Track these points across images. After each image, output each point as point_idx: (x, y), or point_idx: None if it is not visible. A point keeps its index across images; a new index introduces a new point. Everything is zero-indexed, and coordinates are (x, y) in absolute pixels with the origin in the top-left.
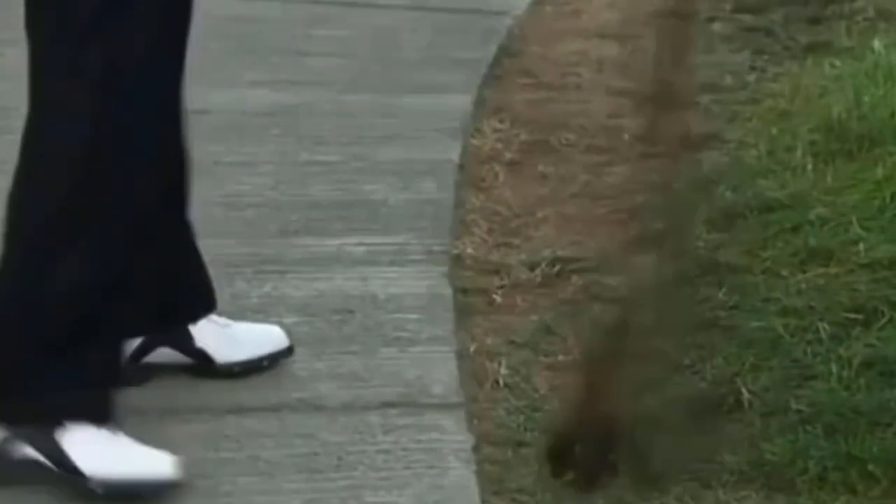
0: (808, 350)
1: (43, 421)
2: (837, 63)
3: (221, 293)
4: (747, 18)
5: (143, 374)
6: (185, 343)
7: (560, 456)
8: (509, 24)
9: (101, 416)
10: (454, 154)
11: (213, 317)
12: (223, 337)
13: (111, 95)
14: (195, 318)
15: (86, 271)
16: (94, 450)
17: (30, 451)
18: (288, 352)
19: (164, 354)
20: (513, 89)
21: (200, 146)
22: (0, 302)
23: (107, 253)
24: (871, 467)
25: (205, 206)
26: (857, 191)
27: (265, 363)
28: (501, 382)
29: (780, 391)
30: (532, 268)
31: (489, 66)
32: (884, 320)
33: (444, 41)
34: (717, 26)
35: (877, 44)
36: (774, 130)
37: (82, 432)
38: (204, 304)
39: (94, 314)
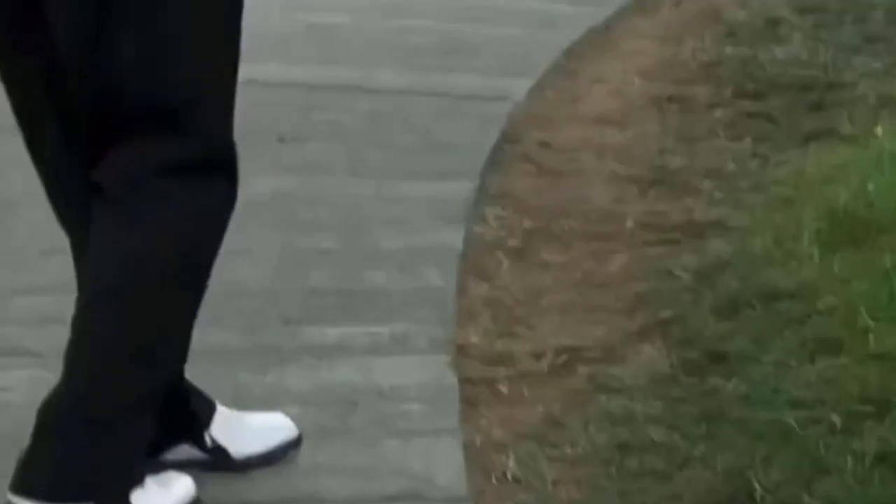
0: (821, 443)
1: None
2: (841, 150)
3: (223, 384)
4: (748, 105)
5: (157, 469)
6: (200, 438)
7: None
8: (510, 110)
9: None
10: (456, 241)
11: (221, 409)
12: (235, 429)
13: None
14: (210, 415)
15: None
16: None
17: None
18: (298, 441)
19: (182, 451)
20: (514, 176)
21: None
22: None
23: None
24: None
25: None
26: (865, 280)
27: (280, 454)
28: (509, 475)
29: (792, 485)
30: (538, 357)
31: (490, 153)
32: None
33: (444, 127)
34: (718, 113)
35: (880, 131)
36: (779, 218)
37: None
38: (209, 402)
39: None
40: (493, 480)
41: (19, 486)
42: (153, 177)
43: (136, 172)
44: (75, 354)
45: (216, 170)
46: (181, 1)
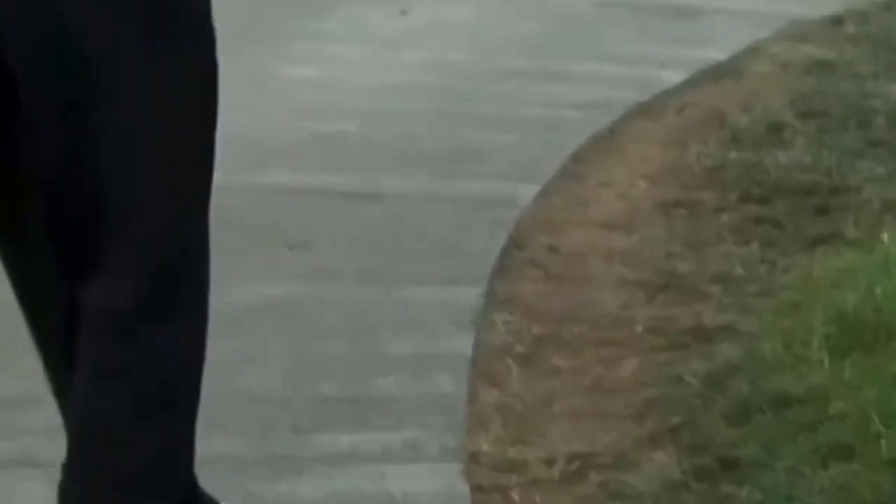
0: None
1: None
2: (847, 254)
3: (234, 493)
4: (754, 209)
5: None
6: None
7: None
8: (517, 215)
9: None
10: (466, 347)
11: None
12: None
13: None
14: None
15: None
16: None
17: None
18: None
19: None
20: (522, 281)
21: (209, 341)
22: None
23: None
24: None
25: (213, 402)
26: (875, 385)
27: None
28: None
29: None
30: (549, 464)
31: (498, 258)
32: None
33: (451, 232)
34: (724, 217)
35: (885, 237)
36: (788, 323)
37: None
38: None
39: None
40: None
41: None
42: (134, 320)
43: (112, 314)
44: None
45: (190, 305)
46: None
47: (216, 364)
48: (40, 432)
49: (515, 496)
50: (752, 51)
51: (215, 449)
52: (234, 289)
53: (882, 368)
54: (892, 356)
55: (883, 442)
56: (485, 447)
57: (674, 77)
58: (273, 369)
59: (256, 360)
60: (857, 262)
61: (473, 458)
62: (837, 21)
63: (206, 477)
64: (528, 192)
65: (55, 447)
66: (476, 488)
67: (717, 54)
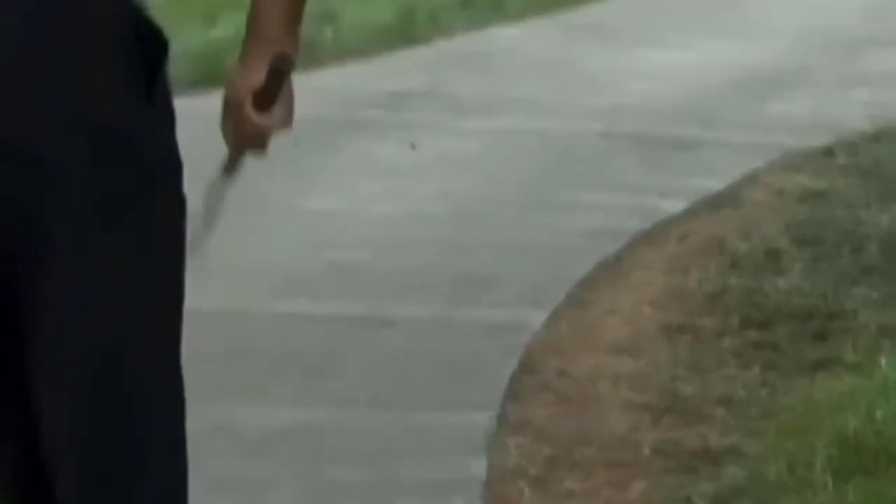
0: None
1: None
2: (846, 378)
3: None
4: (754, 334)
5: None
6: None
7: None
8: (527, 340)
9: None
10: (480, 471)
11: None
12: None
13: None
14: None
15: None
16: None
17: None
18: None
19: None
20: (534, 405)
21: (223, 463)
22: None
23: None
24: None
25: None
26: None
27: None
28: None
29: None
30: None
31: (509, 382)
32: None
33: (463, 357)
34: (726, 341)
35: (884, 362)
36: (792, 445)
37: None
38: None
39: None
40: None
41: None
42: None
43: None
44: None
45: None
46: None
47: (235, 487)
48: None
49: None
50: (749, 180)
51: None
52: (252, 414)
53: (885, 492)
54: (894, 480)
55: None
56: None
57: (675, 206)
58: (290, 494)
59: (274, 484)
60: (856, 386)
61: None
62: (828, 152)
63: None
64: (537, 317)
65: None
66: None
67: (715, 184)
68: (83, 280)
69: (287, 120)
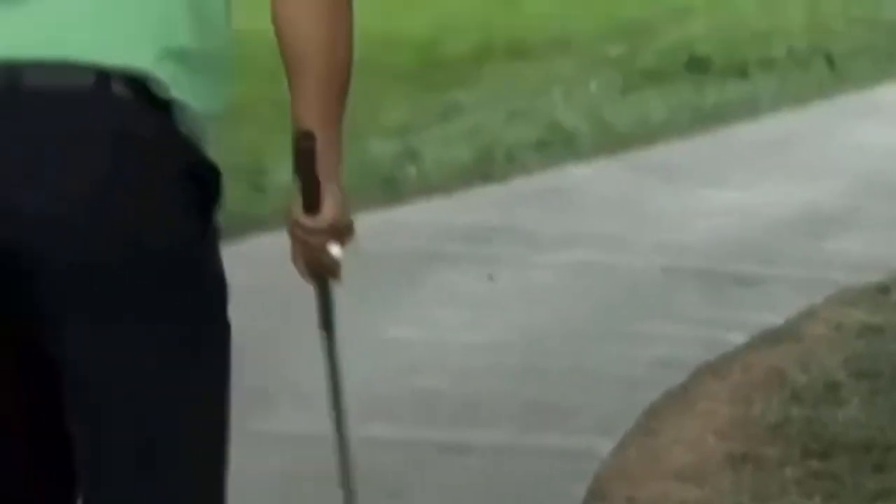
0: None
1: None
2: None
3: None
4: (815, 464)
5: None
6: None
7: None
8: (596, 468)
9: None
10: None
11: None
12: None
13: None
14: None
15: None
16: None
17: None
18: None
19: None
20: None
21: None
22: None
23: None
24: None
25: None
26: None
27: None
28: None
29: None
30: None
31: None
32: None
33: (535, 483)
34: (788, 471)
35: None
36: None
37: None
38: None
39: None
40: None
41: None
42: None
43: None
44: None
45: None
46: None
47: None
48: None
49: None
50: (808, 315)
51: None
52: None
53: None
54: None
55: None
56: None
57: (737, 338)
58: None
59: None
60: None
61: None
62: (883, 289)
63: None
64: (605, 445)
65: None
66: None
67: (775, 318)
68: (136, 403)
69: (341, 217)
